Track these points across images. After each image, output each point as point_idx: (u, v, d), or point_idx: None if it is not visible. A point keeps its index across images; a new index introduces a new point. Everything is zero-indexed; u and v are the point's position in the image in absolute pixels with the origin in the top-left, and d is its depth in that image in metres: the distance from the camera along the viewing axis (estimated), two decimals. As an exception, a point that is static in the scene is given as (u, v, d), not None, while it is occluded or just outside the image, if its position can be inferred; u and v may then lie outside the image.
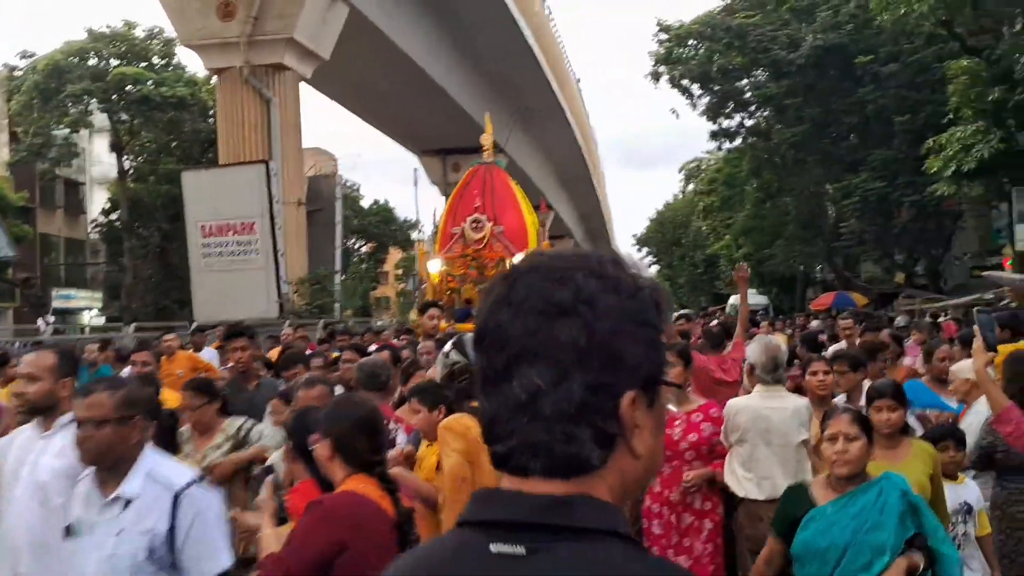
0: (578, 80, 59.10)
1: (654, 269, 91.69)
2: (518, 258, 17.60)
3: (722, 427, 5.64)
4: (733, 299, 39.46)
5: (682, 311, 42.25)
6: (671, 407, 5.08)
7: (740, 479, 5.53)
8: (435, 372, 4.85)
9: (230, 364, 7.35)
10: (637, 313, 1.16)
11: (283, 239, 25.81)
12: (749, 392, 6.03)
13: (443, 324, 15.51)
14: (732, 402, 5.80)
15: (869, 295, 33.18)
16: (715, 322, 12.79)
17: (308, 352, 10.15)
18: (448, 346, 4.59)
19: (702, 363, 7.64)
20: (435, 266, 17.57)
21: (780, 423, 5.51)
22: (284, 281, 25.80)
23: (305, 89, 30.73)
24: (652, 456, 1.19)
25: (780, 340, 6.95)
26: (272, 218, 25.35)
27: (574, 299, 1.13)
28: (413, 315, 17.82)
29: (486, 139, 19.70)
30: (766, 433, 5.48)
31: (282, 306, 25.32)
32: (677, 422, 5.56)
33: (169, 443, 4.57)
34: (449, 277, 17.36)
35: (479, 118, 40.13)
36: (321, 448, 3.27)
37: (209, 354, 11.31)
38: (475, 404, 4.21)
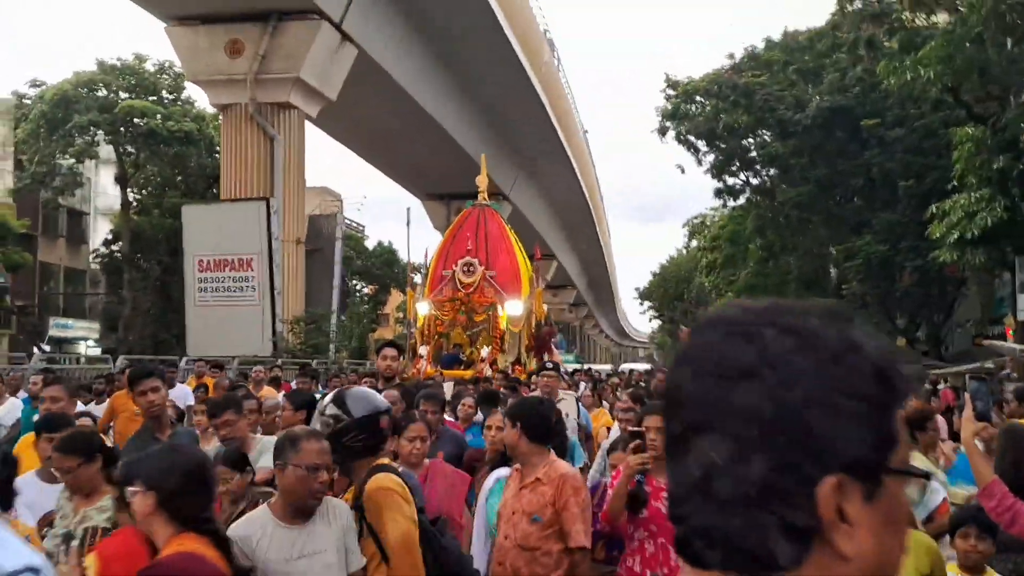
0: (585, 131, 59.38)
1: (656, 324, 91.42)
2: (511, 305, 16.55)
3: None
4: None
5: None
6: (659, 478, 4.65)
7: None
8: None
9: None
10: (842, 380, 0.93)
11: (281, 277, 25.72)
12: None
13: (430, 370, 14.98)
14: None
15: (869, 359, 32.88)
16: None
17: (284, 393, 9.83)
18: (326, 400, 4.19)
19: None
20: (423, 309, 17.10)
21: None
22: (279, 319, 25.66)
23: (313, 129, 30.83)
24: (873, 561, 0.93)
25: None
26: (271, 255, 25.30)
27: (758, 360, 0.93)
28: None
29: (481, 180, 19.34)
30: None
31: (276, 344, 25.15)
32: (664, 494, 4.82)
33: (4, 497, 3.96)
34: (438, 321, 16.86)
35: (485, 164, 40.31)
36: (141, 501, 2.90)
37: (180, 391, 11.00)
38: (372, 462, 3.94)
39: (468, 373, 14.37)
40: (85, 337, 44.64)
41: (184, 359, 21.50)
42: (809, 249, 32.95)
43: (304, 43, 25.87)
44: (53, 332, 41.53)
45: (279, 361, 22.19)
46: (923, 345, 31.58)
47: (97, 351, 40.14)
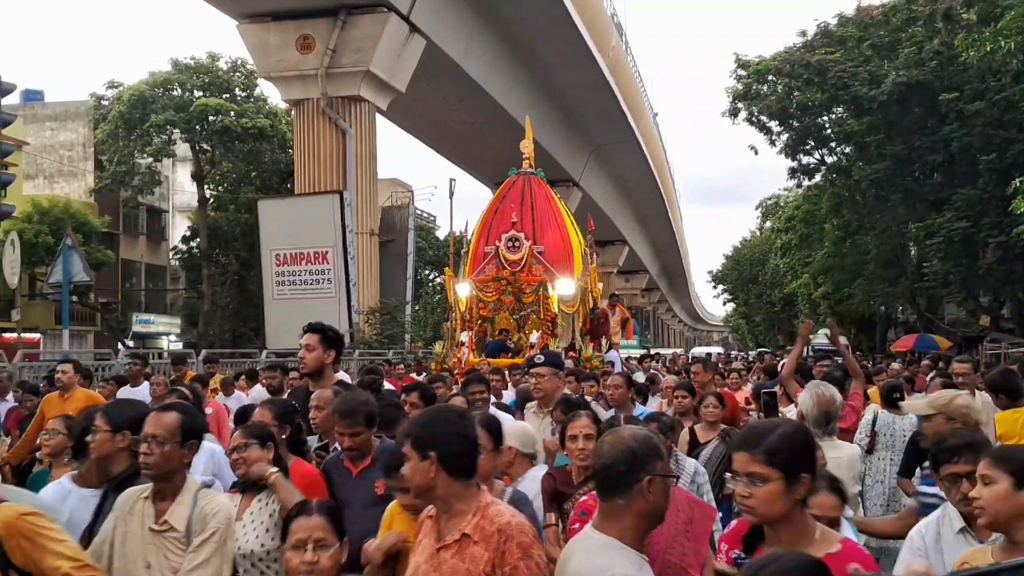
0: (655, 114, 58.90)
1: (730, 307, 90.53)
2: (562, 284, 14.76)
3: None
4: (814, 340, 38.73)
5: (760, 349, 41.01)
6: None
7: None
8: None
9: None
10: None
11: (355, 269, 25.99)
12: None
13: (473, 358, 13.87)
14: None
15: (953, 338, 32.20)
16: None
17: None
18: None
19: None
20: (464, 290, 15.28)
21: (836, 474, 5.20)
22: (355, 311, 25.93)
23: (383, 121, 31.05)
24: None
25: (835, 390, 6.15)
26: (345, 248, 25.58)
27: None
28: (438, 348, 15.34)
29: (526, 146, 17.19)
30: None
31: (353, 335, 25.43)
32: None
33: None
34: (480, 303, 15.02)
35: (555, 151, 40.25)
36: None
37: (258, 392, 10.62)
38: None
39: (517, 361, 12.77)
40: (167, 332, 45.63)
41: (264, 352, 21.89)
42: (887, 228, 32.25)
43: (373, 36, 26.06)
44: (136, 328, 42.54)
45: (356, 353, 22.47)
46: (1008, 323, 30.81)
47: (179, 346, 41.02)
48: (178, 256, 42.94)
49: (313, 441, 5.25)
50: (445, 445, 3.11)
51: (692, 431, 6.88)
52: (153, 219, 46.55)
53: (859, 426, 7.76)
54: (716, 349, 55.35)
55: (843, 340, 7.77)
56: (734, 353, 45.21)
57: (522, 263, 14.89)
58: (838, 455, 5.29)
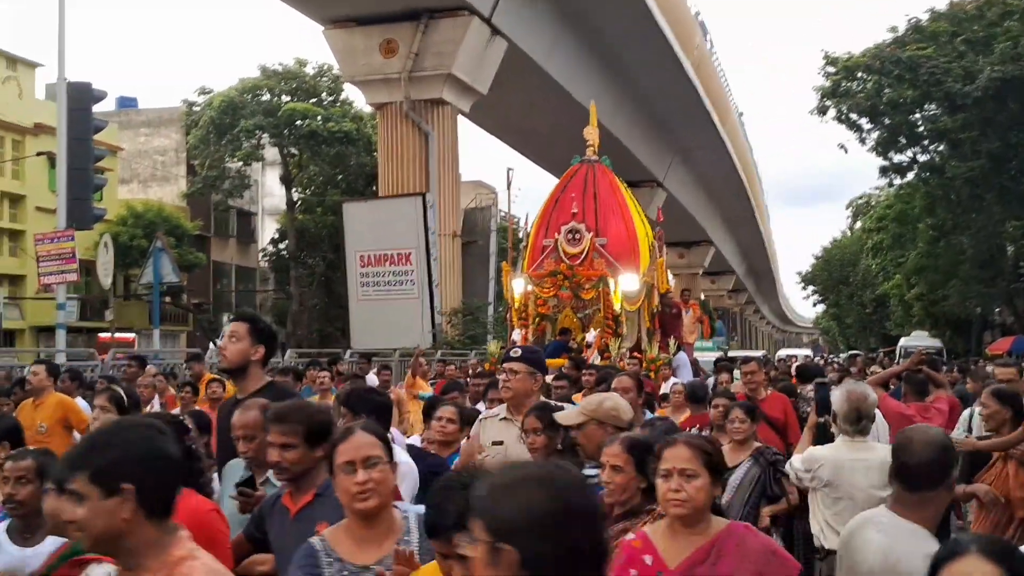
0: (741, 114, 58.11)
1: (820, 308, 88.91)
2: (626, 279, 13.81)
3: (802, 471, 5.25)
4: (904, 341, 37.81)
5: (851, 351, 40.08)
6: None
7: (824, 526, 5.10)
8: None
9: None
10: None
11: (438, 270, 26.13)
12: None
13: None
14: (814, 451, 5.36)
15: (1052, 341, 31.17)
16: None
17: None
18: None
19: (898, 409, 7.33)
20: (519, 286, 14.09)
21: (864, 477, 5.03)
22: (438, 312, 26.07)
23: (469, 123, 31.22)
24: None
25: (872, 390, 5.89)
26: (428, 249, 25.73)
27: None
28: (492, 348, 14.34)
29: (590, 132, 15.95)
30: (850, 487, 5.06)
31: (435, 336, 25.58)
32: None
33: None
34: (538, 300, 13.78)
35: (639, 153, 39.97)
36: None
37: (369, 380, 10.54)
38: None
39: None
40: (257, 332, 46.47)
41: (348, 352, 22.14)
42: (983, 227, 31.37)
43: (455, 39, 26.19)
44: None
45: (438, 353, 22.59)
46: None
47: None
48: (267, 258, 43.76)
49: (239, 469, 4.17)
50: (143, 474, 2.21)
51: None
52: (243, 222, 47.54)
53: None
54: (805, 351, 54.40)
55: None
56: (824, 356, 44.31)
57: (583, 256, 13.76)
58: (868, 457, 5.07)
